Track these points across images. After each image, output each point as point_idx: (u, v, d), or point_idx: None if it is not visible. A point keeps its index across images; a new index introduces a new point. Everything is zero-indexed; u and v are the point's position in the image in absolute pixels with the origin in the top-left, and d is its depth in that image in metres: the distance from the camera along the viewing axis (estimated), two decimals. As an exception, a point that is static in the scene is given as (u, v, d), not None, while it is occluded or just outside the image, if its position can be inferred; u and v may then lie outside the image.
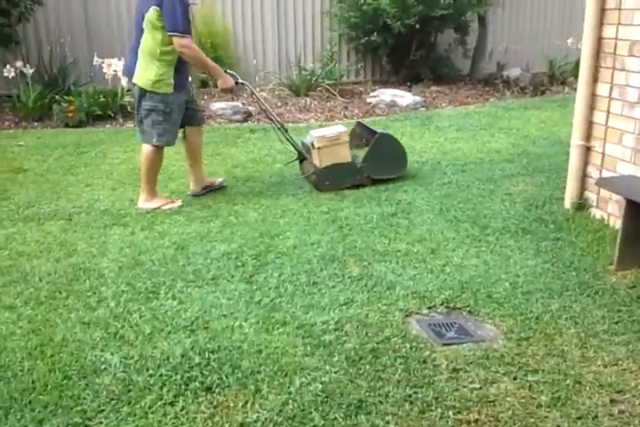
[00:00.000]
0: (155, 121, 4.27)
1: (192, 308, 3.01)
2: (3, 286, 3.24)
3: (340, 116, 7.61)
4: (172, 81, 4.21)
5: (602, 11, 3.90)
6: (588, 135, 4.14)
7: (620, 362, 2.56)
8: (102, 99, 6.94)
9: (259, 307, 3.02)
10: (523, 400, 2.33)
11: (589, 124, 4.13)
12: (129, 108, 7.04)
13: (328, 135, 4.74)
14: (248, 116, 7.32)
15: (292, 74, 8.46)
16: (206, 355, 2.60)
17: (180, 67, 4.27)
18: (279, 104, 7.93)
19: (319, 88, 8.38)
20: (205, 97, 7.89)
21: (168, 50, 4.16)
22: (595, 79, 4.04)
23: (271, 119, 4.88)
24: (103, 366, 2.53)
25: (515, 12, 10.40)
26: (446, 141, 6.29)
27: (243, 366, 2.53)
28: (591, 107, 4.09)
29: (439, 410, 2.27)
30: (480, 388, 2.39)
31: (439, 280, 3.27)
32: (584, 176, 4.21)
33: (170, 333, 2.79)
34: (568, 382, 2.43)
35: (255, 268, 3.45)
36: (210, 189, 4.74)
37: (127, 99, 7.08)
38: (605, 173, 4.02)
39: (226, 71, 4.53)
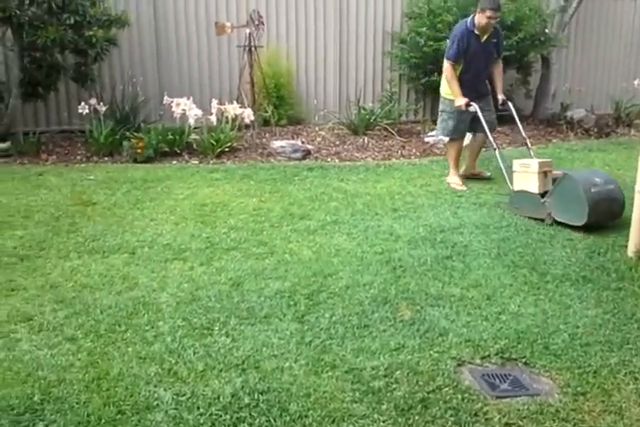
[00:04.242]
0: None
1: (244, 346, 3.06)
2: (65, 318, 3.37)
3: (397, 155, 7.65)
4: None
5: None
6: (655, 181, 4.03)
7: (685, 425, 2.43)
8: (170, 136, 7.22)
9: (309, 348, 3.03)
10: (578, 461, 2.24)
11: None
12: (194, 146, 7.32)
13: (522, 161, 5.29)
14: (307, 154, 7.46)
15: (352, 113, 8.60)
16: (256, 396, 2.63)
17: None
18: (337, 143, 8.05)
19: (377, 127, 8.47)
20: (267, 135, 8.11)
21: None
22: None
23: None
24: (156, 403, 2.59)
25: (579, 53, 10.29)
26: (505, 183, 6.21)
27: (291, 409, 2.54)
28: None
29: (489, 466, 2.21)
30: (533, 445, 2.32)
31: (494, 328, 3.21)
32: (649, 224, 4.09)
33: (221, 371, 2.84)
34: (627, 443, 2.32)
35: (307, 307, 3.47)
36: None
37: (193, 136, 7.35)
38: (672, 222, 3.89)
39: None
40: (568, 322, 3.27)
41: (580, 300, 3.53)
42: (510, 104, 5.97)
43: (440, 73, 8.66)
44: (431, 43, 8.53)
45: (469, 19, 5.79)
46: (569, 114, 9.17)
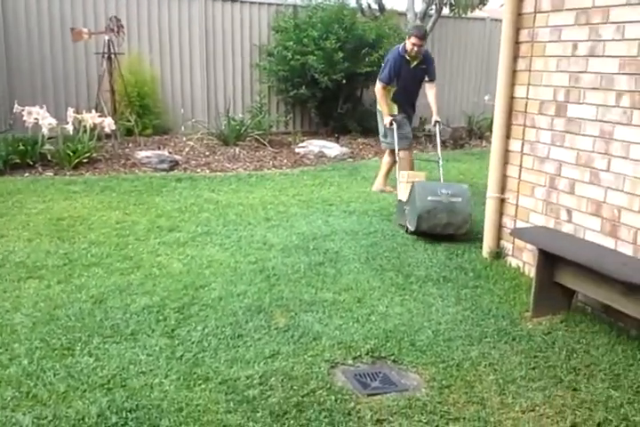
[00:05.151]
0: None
1: (109, 365, 2.89)
2: None
3: (268, 166, 7.70)
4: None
5: (513, 72, 4.20)
6: (503, 188, 4.37)
7: (538, 408, 2.63)
8: (21, 147, 6.74)
9: (180, 363, 2.93)
10: (445, 450, 2.34)
11: (504, 178, 4.36)
12: (49, 157, 6.87)
13: (402, 173, 5.63)
14: (175, 164, 7.28)
15: (221, 124, 8.54)
16: (124, 414, 2.49)
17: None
18: (207, 153, 7.95)
19: (248, 138, 8.49)
20: (130, 145, 7.81)
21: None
22: (508, 135, 4.30)
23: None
24: (12, 429, 2.37)
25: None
26: (372, 191, 6.46)
27: (162, 425, 2.43)
28: (505, 161, 4.34)
29: (364, 464, 2.25)
30: (404, 439, 2.39)
31: (365, 329, 3.30)
32: (500, 226, 4.42)
33: (85, 391, 2.66)
34: (488, 429, 2.47)
35: (177, 321, 3.36)
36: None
37: (47, 147, 6.91)
38: (519, 224, 4.23)
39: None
40: (431, 319, 3.44)
41: (442, 298, 3.74)
42: (438, 126, 6.18)
43: (306, 86, 8.96)
44: (298, 57, 8.74)
45: (402, 44, 6.10)
46: (427, 127, 9.75)
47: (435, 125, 6.24)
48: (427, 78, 6.27)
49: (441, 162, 5.80)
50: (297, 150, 8.43)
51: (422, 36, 5.98)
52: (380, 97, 6.26)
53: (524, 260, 4.19)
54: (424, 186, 5.05)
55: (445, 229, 4.84)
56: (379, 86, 6.24)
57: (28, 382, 2.71)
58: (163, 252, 4.45)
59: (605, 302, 3.29)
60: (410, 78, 6.15)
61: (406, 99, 6.28)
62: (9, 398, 2.58)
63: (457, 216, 4.81)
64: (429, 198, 4.84)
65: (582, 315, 3.52)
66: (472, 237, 4.87)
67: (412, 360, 2.99)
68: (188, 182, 6.54)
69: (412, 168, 6.29)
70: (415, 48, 5.96)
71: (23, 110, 6.97)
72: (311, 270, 4.14)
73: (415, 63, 6.12)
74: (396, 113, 6.22)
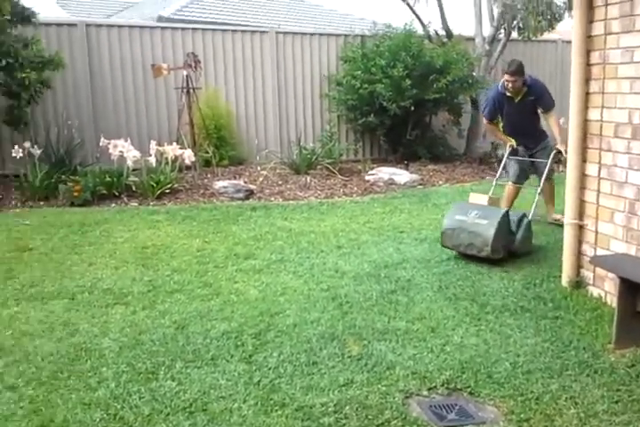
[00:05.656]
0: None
1: (191, 389, 3.00)
2: (5, 366, 3.24)
3: (339, 194, 7.81)
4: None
5: (586, 94, 4.14)
6: (581, 214, 4.27)
7: (623, 444, 2.53)
8: (108, 178, 7.14)
9: (258, 388, 3.01)
10: (526, 486, 2.29)
11: (581, 203, 4.26)
12: (133, 188, 7.24)
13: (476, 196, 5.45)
14: (250, 193, 7.51)
15: (293, 153, 8.76)
16: (205, 438, 2.58)
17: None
18: (280, 182, 8.15)
19: (319, 166, 8.65)
20: (209, 176, 8.13)
21: None
22: (584, 159, 4.22)
23: None
24: (102, 450, 2.51)
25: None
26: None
27: (242, 450, 2.50)
28: (582, 186, 4.24)
29: None
30: (482, 473, 2.36)
31: (439, 360, 3.28)
32: (579, 254, 4.30)
33: (169, 414, 2.78)
34: (570, 466, 2.40)
35: (255, 347, 3.46)
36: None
37: (132, 178, 7.28)
38: (599, 251, 4.11)
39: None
40: (509, 351, 3.38)
41: (520, 329, 3.66)
42: (552, 155, 5.78)
43: (375, 114, 9.07)
44: (366, 85, 8.89)
45: (502, 80, 5.95)
46: (499, 152, 9.60)
47: (558, 153, 5.76)
48: (541, 109, 6.04)
49: (539, 190, 5.65)
50: (367, 178, 8.51)
51: (513, 72, 5.74)
52: (489, 132, 6.52)
53: (606, 289, 4.05)
54: (460, 206, 5.20)
55: (468, 249, 4.92)
56: (485, 121, 6.35)
57: (116, 405, 2.85)
58: (240, 279, 4.59)
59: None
60: (516, 113, 5.97)
61: (517, 132, 6.12)
62: (97, 420, 2.73)
63: (477, 238, 4.82)
64: (456, 218, 4.98)
65: (669, 348, 3.37)
66: (552, 264, 4.75)
67: (489, 393, 2.95)
68: (262, 211, 6.73)
69: (510, 202, 6.17)
70: (510, 84, 5.82)
71: (109, 144, 7.38)
72: (383, 298, 4.16)
73: (520, 97, 5.92)
74: (514, 144, 6.12)
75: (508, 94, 5.92)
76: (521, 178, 6.20)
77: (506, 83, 5.84)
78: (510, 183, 6.17)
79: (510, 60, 5.98)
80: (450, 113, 9.81)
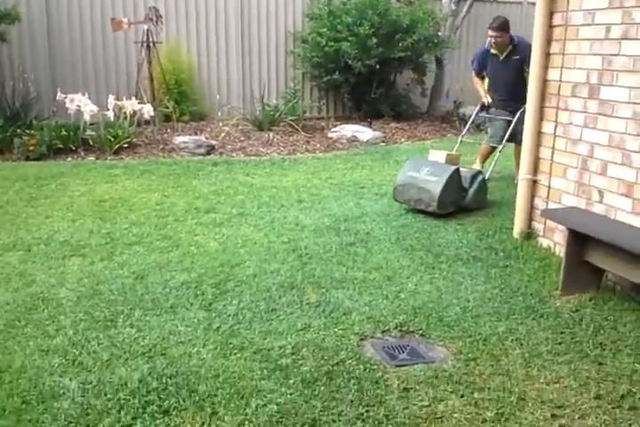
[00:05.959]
0: None
1: (150, 335, 3.05)
2: (-41, 316, 3.22)
3: (302, 150, 7.80)
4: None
5: (547, 55, 4.20)
6: (535, 169, 4.38)
7: (562, 380, 2.69)
8: (64, 132, 6.97)
9: (217, 333, 3.07)
10: (469, 416, 2.43)
11: (536, 159, 4.37)
12: (91, 142, 7.10)
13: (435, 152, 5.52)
14: (211, 149, 7.44)
15: (256, 109, 8.66)
16: (164, 380, 2.64)
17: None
18: (242, 138, 8.09)
19: (282, 123, 8.59)
20: (169, 131, 8.00)
21: None
22: (541, 118, 4.30)
23: None
24: (61, 392, 2.55)
25: (471, 54, 10.87)
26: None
27: (200, 390, 2.58)
28: (538, 143, 4.34)
29: (390, 427, 2.35)
30: (429, 405, 2.49)
31: (394, 305, 3.39)
32: (531, 208, 4.43)
33: (128, 359, 2.82)
34: (512, 398, 2.55)
35: (214, 296, 3.51)
36: None
37: (89, 132, 7.13)
38: (551, 205, 4.24)
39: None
40: (460, 297, 3.51)
41: (471, 277, 3.80)
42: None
43: (340, 72, 9.00)
44: (332, 43, 8.78)
45: (488, 39, 6.00)
46: (461, 111, 9.69)
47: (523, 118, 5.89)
48: (526, 69, 5.61)
49: (500, 148, 5.79)
50: (330, 135, 8.50)
51: (496, 28, 5.72)
52: (473, 84, 6.43)
53: (555, 240, 4.20)
54: (414, 162, 5.36)
55: (417, 204, 5.06)
56: (473, 74, 6.35)
57: (74, 351, 2.88)
58: (200, 232, 4.61)
59: (635, 281, 3.31)
60: (500, 72, 5.96)
61: (500, 92, 6.08)
62: (56, 365, 2.75)
63: (425, 193, 4.97)
64: (408, 174, 5.16)
65: (611, 294, 3.54)
66: (505, 218, 4.89)
67: (439, 335, 3.08)
68: (223, 166, 6.69)
69: (483, 160, 6.33)
70: (493, 40, 5.80)
71: (66, 97, 7.18)
72: (342, 250, 4.24)
73: (505, 55, 5.89)
74: (485, 101, 6.13)
75: (493, 51, 5.94)
76: (497, 141, 6.12)
77: (490, 39, 5.86)
78: (484, 142, 6.23)
79: (495, 17, 5.95)
80: (414, 72, 9.79)
